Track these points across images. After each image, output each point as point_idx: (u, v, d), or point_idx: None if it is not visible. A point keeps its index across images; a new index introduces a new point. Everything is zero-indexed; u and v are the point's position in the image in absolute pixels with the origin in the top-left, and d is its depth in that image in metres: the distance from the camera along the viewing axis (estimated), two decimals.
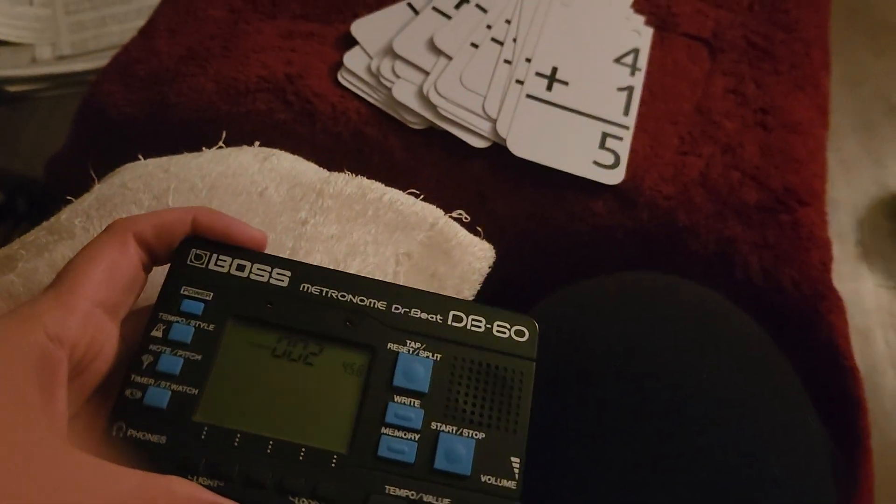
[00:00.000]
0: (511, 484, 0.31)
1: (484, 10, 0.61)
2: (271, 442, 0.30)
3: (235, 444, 0.30)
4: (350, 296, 0.34)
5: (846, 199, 1.37)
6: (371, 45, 0.59)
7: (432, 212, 0.49)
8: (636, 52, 0.61)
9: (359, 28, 0.60)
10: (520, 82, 0.57)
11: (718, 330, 0.39)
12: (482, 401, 0.32)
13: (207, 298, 0.32)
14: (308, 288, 0.33)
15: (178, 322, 0.32)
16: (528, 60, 0.58)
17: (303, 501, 0.29)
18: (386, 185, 0.56)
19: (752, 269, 0.52)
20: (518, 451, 0.31)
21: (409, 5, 0.62)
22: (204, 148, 0.45)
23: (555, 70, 0.58)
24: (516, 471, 0.31)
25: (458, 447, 0.31)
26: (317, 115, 0.57)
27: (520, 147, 0.54)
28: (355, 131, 0.56)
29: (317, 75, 0.58)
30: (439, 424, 0.31)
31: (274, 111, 0.57)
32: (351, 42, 0.60)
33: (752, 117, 0.58)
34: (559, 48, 0.60)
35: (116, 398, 0.30)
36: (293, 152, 0.56)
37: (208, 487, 0.29)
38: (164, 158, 0.46)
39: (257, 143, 0.49)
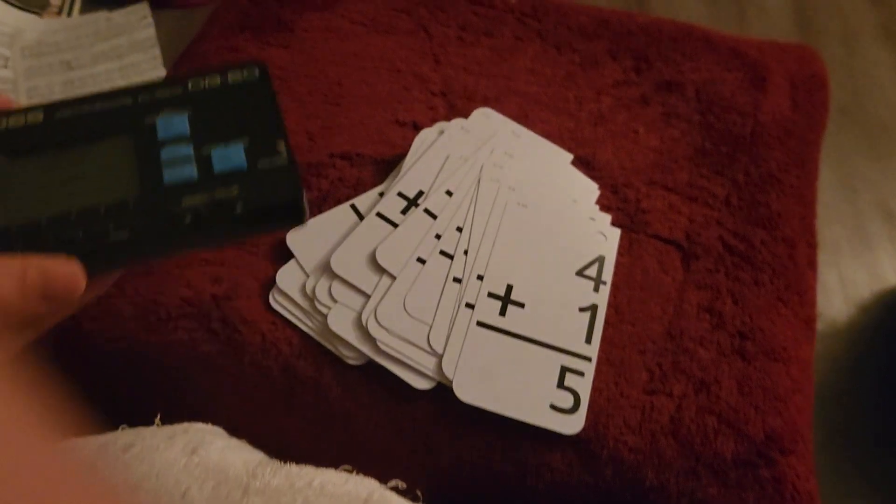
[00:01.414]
0: (283, 160, 0.35)
1: (433, 216, 0.55)
2: (74, 214, 0.33)
3: (42, 226, 0.33)
4: (100, 104, 0.37)
5: (843, 317, 1.31)
6: (307, 259, 0.54)
7: (366, 486, 0.43)
8: (601, 260, 0.55)
9: (295, 238, 0.55)
10: (470, 306, 0.52)
11: None
12: (237, 120, 0.37)
13: None
14: (63, 113, 0.37)
15: None
16: (480, 278, 0.53)
17: (120, 233, 0.33)
18: (320, 429, 0.50)
19: None
20: (281, 135, 0.36)
21: (353, 207, 0.57)
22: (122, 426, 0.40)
23: (509, 289, 0.53)
24: (284, 150, 0.36)
25: (230, 153, 0.35)
26: (245, 346, 0.51)
27: (467, 391, 0.48)
28: (286, 366, 0.50)
29: (247, 295, 0.53)
30: (208, 147, 0.36)
31: (197, 342, 0.51)
32: (287, 253, 0.54)
33: (729, 344, 0.52)
34: (515, 260, 0.54)
35: None
36: (219, 389, 0.51)
37: None
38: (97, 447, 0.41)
39: (197, 423, 0.44)
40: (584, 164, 0.61)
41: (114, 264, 0.35)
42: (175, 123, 0.37)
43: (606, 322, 0.53)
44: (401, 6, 0.70)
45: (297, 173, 0.36)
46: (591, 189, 0.59)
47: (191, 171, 0.35)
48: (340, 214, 0.56)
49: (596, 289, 0.54)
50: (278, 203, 0.35)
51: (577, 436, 0.48)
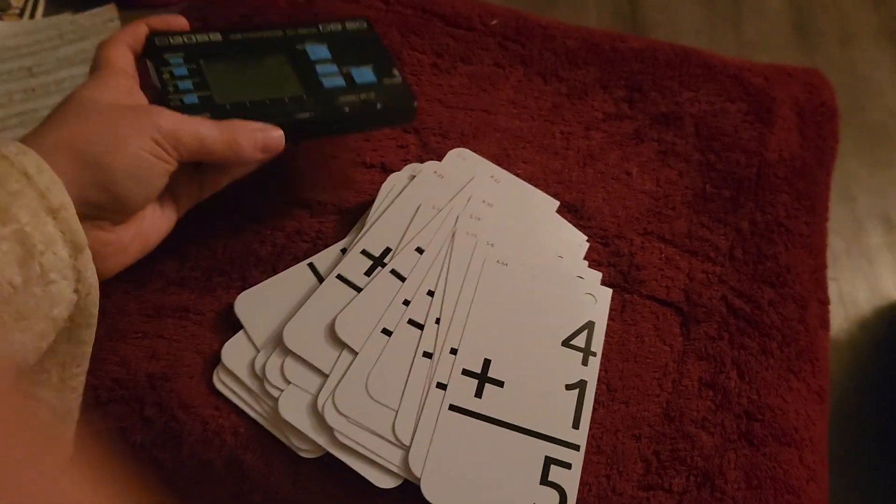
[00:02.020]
0: (399, 80, 0.51)
1: (401, 279, 0.49)
2: (267, 100, 0.47)
3: (248, 106, 0.46)
4: (259, 33, 0.51)
5: (843, 336, 1.26)
6: (258, 330, 0.47)
7: None
8: (590, 327, 0.49)
9: (244, 304, 0.48)
10: (442, 386, 0.45)
11: None
12: (361, 53, 0.52)
13: (182, 56, 0.48)
14: (235, 36, 0.51)
15: (174, 69, 0.47)
16: (454, 352, 0.47)
17: (303, 114, 0.47)
18: None
19: None
20: (394, 64, 0.52)
21: (311, 266, 0.50)
22: None
23: (487, 364, 0.46)
24: (398, 74, 0.51)
25: (363, 72, 0.51)
26: (183, 436, 0.44)
27: (437, 490, 0.42)
28: (231, 459, 0.44)
29: (187, 374, 0.46)
30: (348, 67, 0.50)
31: (128, 432, 0.45)
32: (235, 322, 0.48)
33: (734, 427, 0.46)
34: (493, 329, 0.48)
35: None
36: (157, 485, 0.45)
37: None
38: None
39: None
40: (571, 211, 0.55)
41: (298, 136, 0.48)
42: (320, 50, 0.51)
43: (597, 401, 0.47)
44: None
45: (411, 87, 0.51)
46: (580, 242, 0.53)
47: (341, 81, 0.50)
48: (297, 276, 0.50)
49: (584, 362, 0.48)
50: (402, 106, 0.51)
51: None
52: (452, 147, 0.57)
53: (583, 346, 0.48)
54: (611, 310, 0.50)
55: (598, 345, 0.48)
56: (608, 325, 0.49)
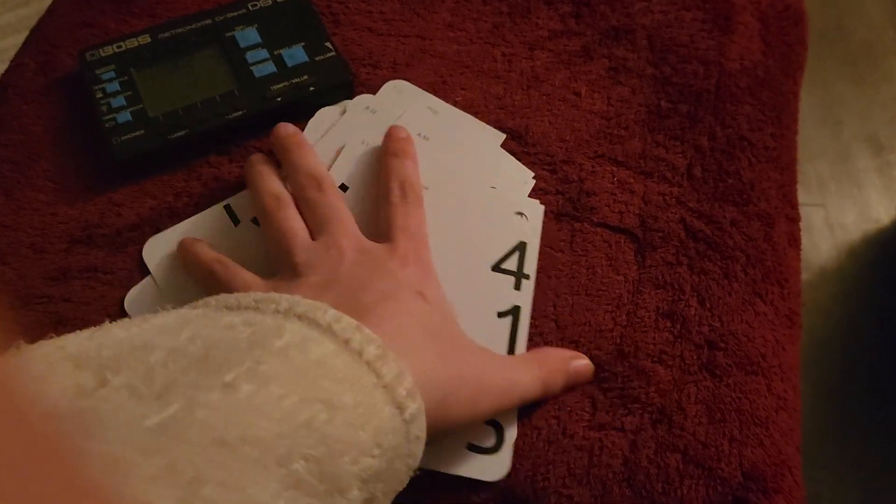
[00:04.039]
0: (333, 54, 0.50)
1: None
2: (199, 103, 0.48)
3: (180, 113, 0.47)
4: (190, 25, 0.51)
5: (832, 264, 1.22)
6: (165, 276, 0.43)
7: None
8: (522, 249, 0.45)
9: (153, 250, 0.44)
10: None
11: None
12: (292, 29, 0.51)
13: (113, 68, 0.49)
14: (163, 35, 0.50)
15: (106, 86, 0.48)
16: None
17: (236, 113, 0.48)
18: None
19: None
20: (326, 37, 0.51)
21: (227, 208, 0.46)
22: None
23: None
24: (331, 47, 0.50)
25: (295, 52, 0.50)
26: None
27: None
28: None
29: None
30: (279, 50, 0.50)
31: None
32: (146, 276, 0.44)
33: (695, 357, 0.42)
34: None
35: (105, 134, 0.47)
36: None
37: (182, 136, 0.47)
38: None
39: None
40: (515, 138, 0.50)
41: (233, 135, 0.48)
42: (249, 35, 0.51)
43: (545, 339, 0.43)
44: None
45: (346, 61, 0.50)
46: (525, 178, 0.48)
47: (272, 67, 0.49)
48: (211, 218, 0.46)
49: (517, 286, 0.44)
50: (336, 83, 0.49)
51: (512, 492, 0.39)
52: (385, 78, 0.52)
53: (514, 269, 0.44)
54: (559, 240, 0.46)
55: (531, 267, 0.44)
56: (557, 257, 0.45)
